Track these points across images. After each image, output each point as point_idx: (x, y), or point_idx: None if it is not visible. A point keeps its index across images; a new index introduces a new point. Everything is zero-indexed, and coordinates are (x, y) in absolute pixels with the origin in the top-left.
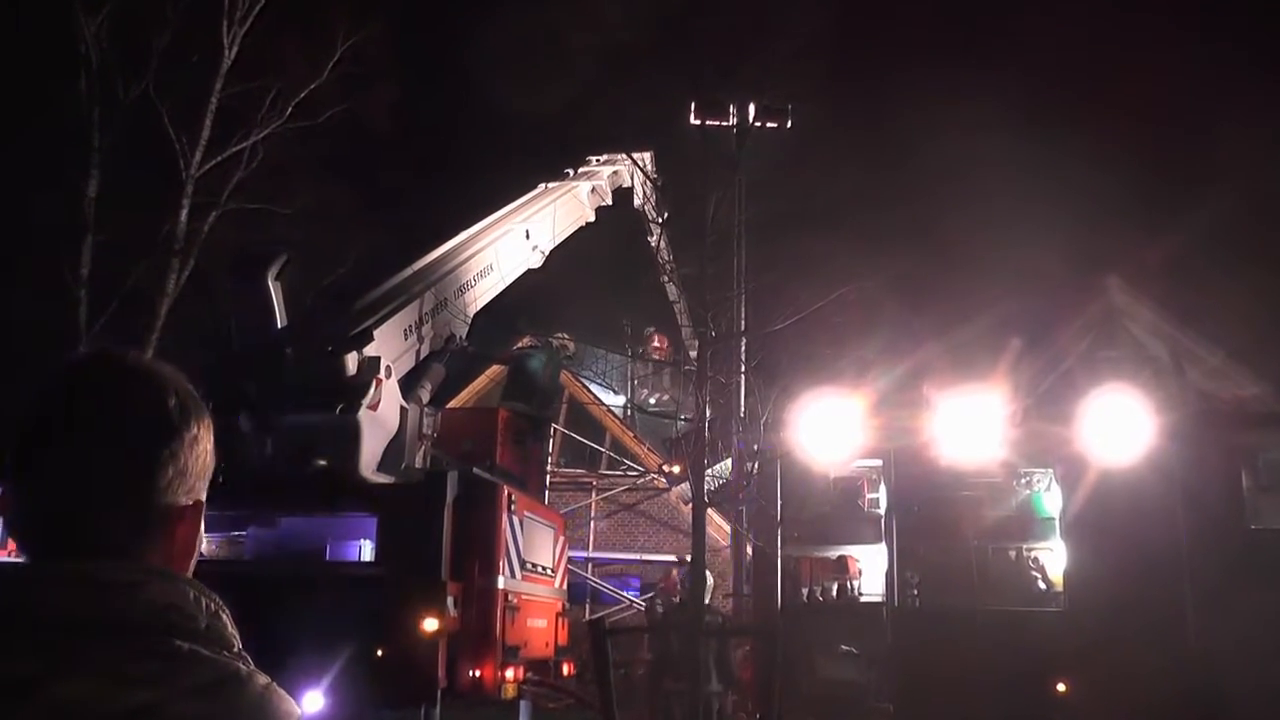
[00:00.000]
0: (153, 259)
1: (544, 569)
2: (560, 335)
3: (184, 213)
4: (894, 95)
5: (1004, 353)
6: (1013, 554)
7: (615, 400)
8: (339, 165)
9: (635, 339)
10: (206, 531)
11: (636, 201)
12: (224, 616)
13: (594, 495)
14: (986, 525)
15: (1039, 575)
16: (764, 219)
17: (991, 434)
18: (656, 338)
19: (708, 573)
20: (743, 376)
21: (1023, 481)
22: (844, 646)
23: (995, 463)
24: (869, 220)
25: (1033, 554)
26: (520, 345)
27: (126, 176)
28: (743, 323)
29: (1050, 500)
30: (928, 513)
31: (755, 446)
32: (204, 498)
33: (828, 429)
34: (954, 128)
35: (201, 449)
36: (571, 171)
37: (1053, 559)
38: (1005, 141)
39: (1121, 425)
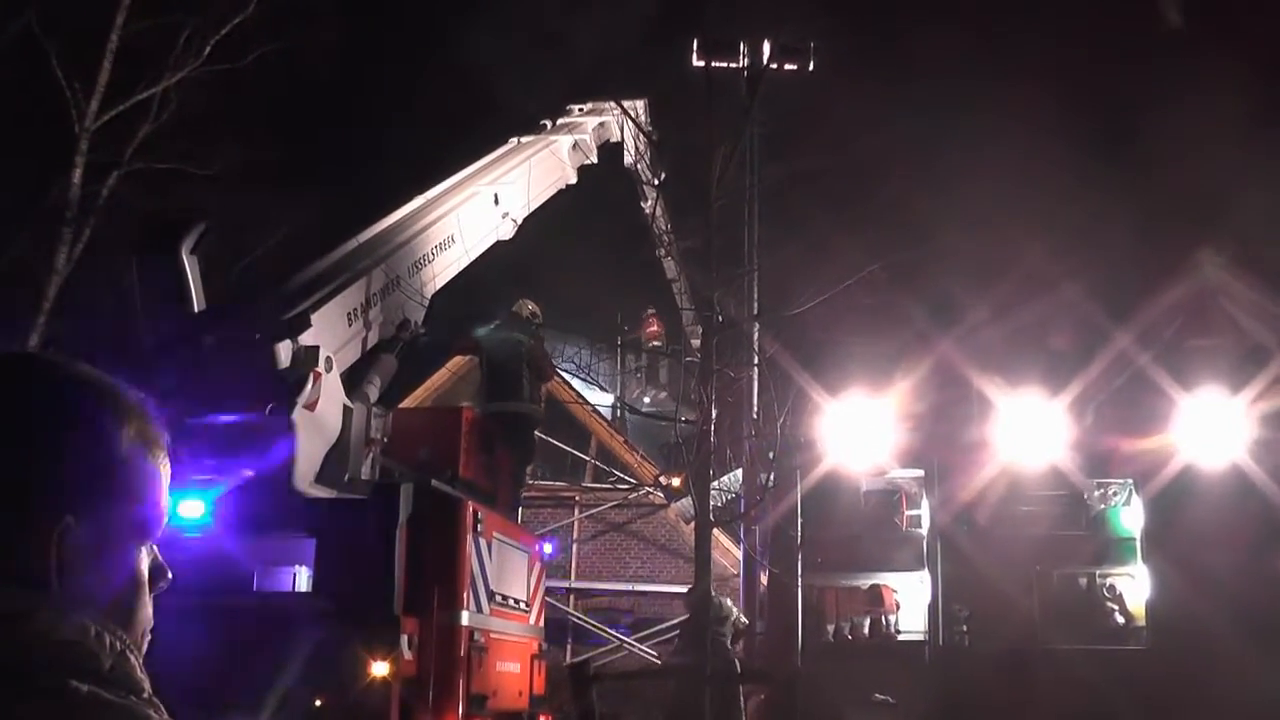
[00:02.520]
0: (39, 228)
1: (517, 602)
2: (524, 301)
3: (77, 173)
4: (939, 36)
5: (1074, 341)
6: (1084, 581)
7: (602, 399)
8: (270, 118)
9: (626, 325)
10: None
11: (628, 159)
12: (132, 657)
13: (576, 513)
14: (1052, 547)
15: (1116, 607)
16: (782, 182)
17: (1058, 438)
18: (654, 321)
19: (726, 601)
20: (755, 370)
21: (1096, 495)
22: (878, 695)
23: (1063, 472)
24: (909, 185)
25: (1108, 581)
26: (487, 328)
27: (5, 129)
28: (755, 305)
29: (1129, 516)
30: (980, 532)
31: (771, 454)
32: (112, 515)
33: (859, 433)
34: (1016, 74)
35: (101, 454)
36: (549, 123)
37: (1133, 587)
38: (1080, 90)
39: (1217, 426)
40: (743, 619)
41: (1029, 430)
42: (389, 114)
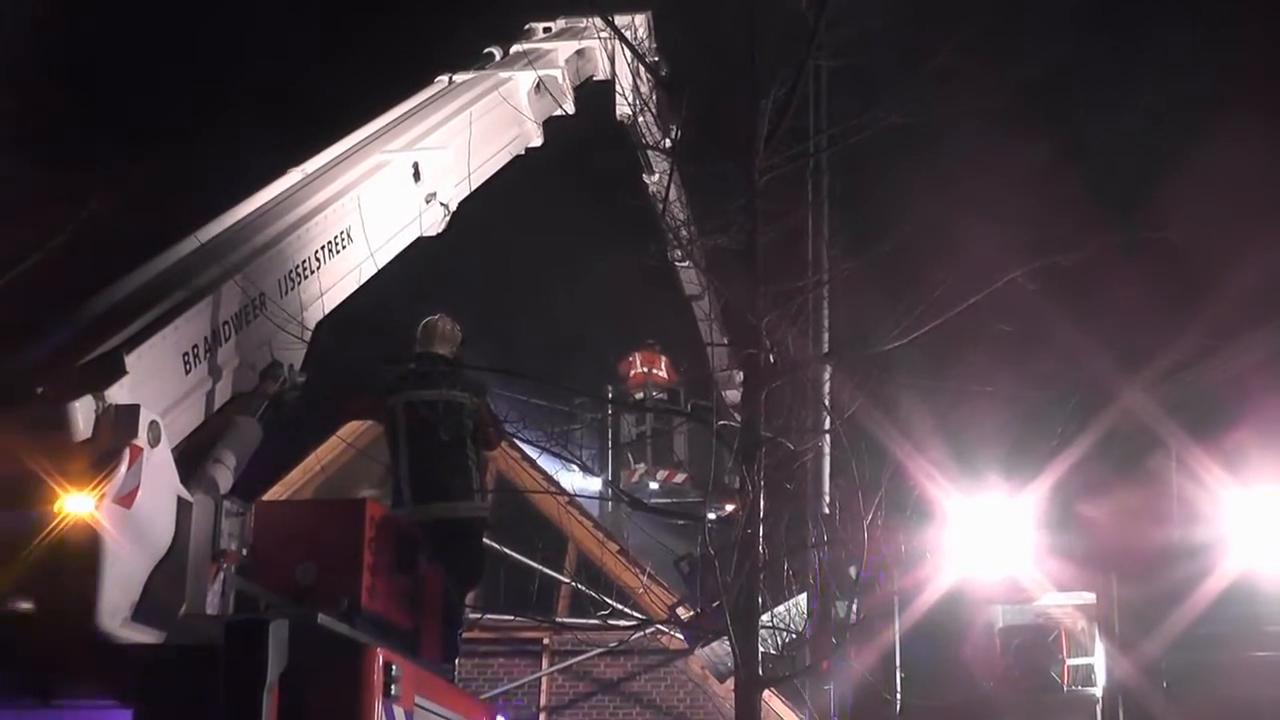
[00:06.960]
0: None
1: None
2: (439, 320)
3: None
4: None
5: None
6: None
7: (586, 485)
8: (60, 47)
9: (615, 375)
10: None
11: (621, 108)
12: None
13: (546, 665)
14: None
15: None
16: (864, 142)
17: None
18: (655, 359)
19: None
20: (828, 438)
21: None
22: None
23: None
24: (1073, 145)
25: None
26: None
27: None
28: (825, 338)
29: None
30: (1190, 690)
31: (853, 570)
32: None
33: (992, 537)
34: None
35: None
36: (498, 53)
37: None
38: None
39: None
40: None
41: (1268, 528)
42: (247, 34)
